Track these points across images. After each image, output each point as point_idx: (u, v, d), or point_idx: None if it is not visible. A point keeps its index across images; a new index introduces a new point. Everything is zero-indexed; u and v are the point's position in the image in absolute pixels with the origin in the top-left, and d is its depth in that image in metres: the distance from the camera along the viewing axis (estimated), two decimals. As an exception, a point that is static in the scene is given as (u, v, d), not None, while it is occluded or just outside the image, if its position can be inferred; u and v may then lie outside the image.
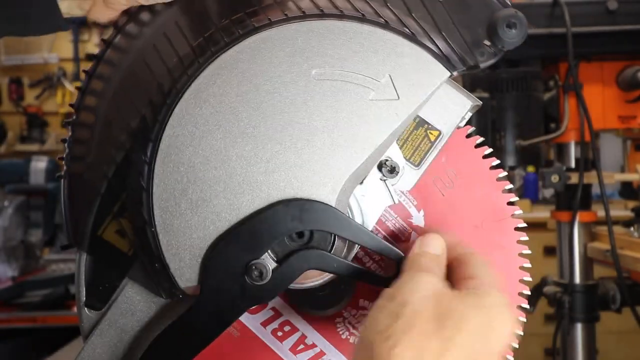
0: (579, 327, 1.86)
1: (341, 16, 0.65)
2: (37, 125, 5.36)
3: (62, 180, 0.69)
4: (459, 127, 0.71)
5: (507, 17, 0.65)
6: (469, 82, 1.80)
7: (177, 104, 0.64)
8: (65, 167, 0.69)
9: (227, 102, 0.64)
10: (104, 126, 0.68)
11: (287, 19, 0.65)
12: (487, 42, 0.66)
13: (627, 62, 1.79)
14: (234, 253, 0.64)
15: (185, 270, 0.65)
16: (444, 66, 0.65)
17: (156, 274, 0.66)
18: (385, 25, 0.65)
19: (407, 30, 0.65)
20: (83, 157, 0.68)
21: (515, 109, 1.83)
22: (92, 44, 5.33)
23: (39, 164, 3.54)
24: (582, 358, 1.86)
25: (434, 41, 0.65)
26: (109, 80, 0.68)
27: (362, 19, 0.65)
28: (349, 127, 0.64)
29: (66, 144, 0.69)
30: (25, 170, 3.50)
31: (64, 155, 0.69)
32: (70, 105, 0.70)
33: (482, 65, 0.66)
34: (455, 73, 0.66)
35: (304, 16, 0.65)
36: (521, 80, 1.81)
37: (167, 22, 0.67)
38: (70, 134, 0.69)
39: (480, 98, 0.82)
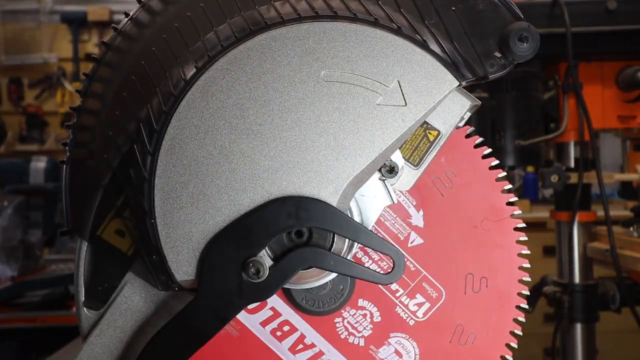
0: (578, 327, 1.86)
1: (354, 19, 0.65)
2: (36, 125, 5.35)
3: (65, 166, 0.69)
4: (458, 127, 0.71)
5: (520, 30, 0.65)
6: (469, 82, 1.80)
7: (184, 96, 0.64)
8: (68, 153, 0.69)
9: (235, 98, 0.64)
10: (110, 113, 0.67)
11: (300, 19, 0.65)
12: (497, 54, 0.66)
13: (627, 62, 1.79)
14: (231, 249, 0.64)
15: (183, 264, 0.65)
16: (453, 75, 0.65)
17: (154, 266, 0.66)
18: (397, 31, 0.65)
19: (419, 37, 0.65)
20: (87, 143, 0.68)
21: (515, 109, 1.83)
22: (91, 44, 5.33)
23: (39, 164, 3.53)
24: (582, 358, 1.86)
25: (445, 49, 0.65)
26: (118, 68, 0.68)
27: (375, 23, 0.65)
28: (355, 130, 0.64)
29: (70, 130, 0.69)
30: (25, 170, 3.50)
31: (68, 141, 0.69)
32: (77, 91, 0.70)
33: (492, 77, 0.66)
34: (464, 83, 0.66)
35: (316, 17, 0.65)
36: (521, 80, 1.81)
37: (179, 14, 0.67)
38: (75, 120, 0.69)
39: (480, 98, 0.81)
